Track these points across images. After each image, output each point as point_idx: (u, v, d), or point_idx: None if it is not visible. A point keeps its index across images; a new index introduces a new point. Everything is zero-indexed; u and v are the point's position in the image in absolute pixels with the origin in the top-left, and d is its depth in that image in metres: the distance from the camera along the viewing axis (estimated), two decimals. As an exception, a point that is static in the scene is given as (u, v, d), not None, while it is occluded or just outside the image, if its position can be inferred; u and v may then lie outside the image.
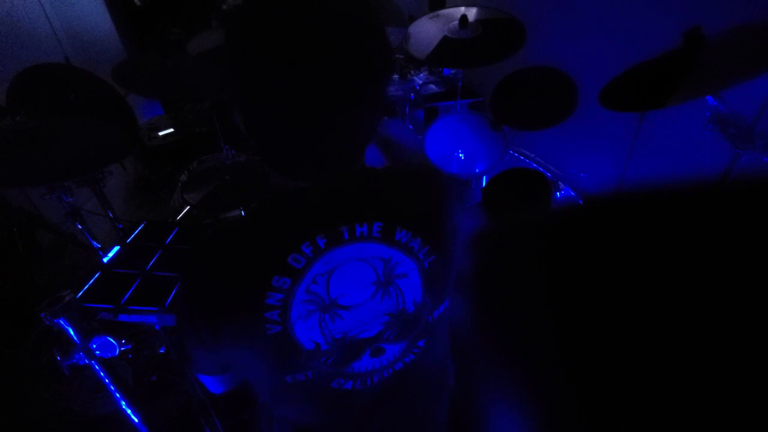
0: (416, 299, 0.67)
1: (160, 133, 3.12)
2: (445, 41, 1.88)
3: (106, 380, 1.20)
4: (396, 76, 2.66)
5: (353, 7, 0.55)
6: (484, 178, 2.05)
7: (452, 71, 2.68)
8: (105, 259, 1.52)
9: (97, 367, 1.16)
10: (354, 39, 0.55)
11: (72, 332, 1.08)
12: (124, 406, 1.28)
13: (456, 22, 1.89)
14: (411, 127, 2.10)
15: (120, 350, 1.13)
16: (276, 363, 0.64)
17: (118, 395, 1.24)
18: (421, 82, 2.82)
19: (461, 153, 2.01)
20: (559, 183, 1.95)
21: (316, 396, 0.69)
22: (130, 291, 1.39)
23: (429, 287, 0.68)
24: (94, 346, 1.11)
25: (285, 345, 0.62)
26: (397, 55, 2.64)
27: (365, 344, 0.66)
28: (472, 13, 1.93)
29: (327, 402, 0.70)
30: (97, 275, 1.45)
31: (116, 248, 1.57)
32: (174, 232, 1.65)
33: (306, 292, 0.62)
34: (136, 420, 1.30)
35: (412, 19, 2.04)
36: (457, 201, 0.75)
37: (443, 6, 2.24)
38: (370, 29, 0.56)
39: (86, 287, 1.40)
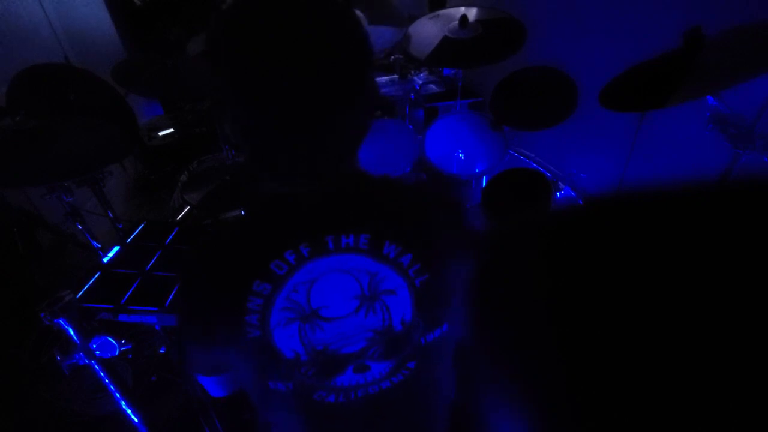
0: (405, 318, 0.64)
1: (160, 133, 3.12)
2: (445, 41, 1.88)
3: (106, 380, 1.20)
4: (396, 76, 2.66)
5: (345, 7, 0.56)
6: (484, 178, 2.05)
7: (452, 71, 2.68)
8: (105, 259, 1.52)
9: (97, 367, 1.16)
10: (352, 38, 0.56)
11: (72, 332, 1.08)
12: (124, 406, 1.28)
13: (456, 22, 1.89)
14: (411, 127, 2.10)
15: (120, 350, 1.13)
16: (257, 367, 0.64)
17: (118, 395, 1.24)
18: (421, 82, 2.82)
19: (461, 153, 2.01)
20: (559, 183, 1.95)
21: (300, 408, 0.68)
22: (130, 291, 1.39)
23: (420, 307, 0.64)
24: (94, 346, 1.11)
25: (264, 350, 0.62)
26: (397, 55, 2.63)
27: (348, 359, 0.64)
28: (472, 13, 1.93)
29: (312, 415, 0.69)
30: (97, 275, 1.45)
31: (116, 248, 1.57)
32: (174, 232, 1.65)
33: (286, 300, 0.61)
34: (136, 420, 1.30)
35: (412, 19, 2.04)
36: (460, 222, 0.72)
37: (443, 6, 2.24)
38: (360, 29, 0.57)
39: (86, 287, 1.40)
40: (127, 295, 1.38)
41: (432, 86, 2.82)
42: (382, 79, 2.67)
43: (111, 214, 1.84)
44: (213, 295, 0.63)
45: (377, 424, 0.72)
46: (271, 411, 0.72)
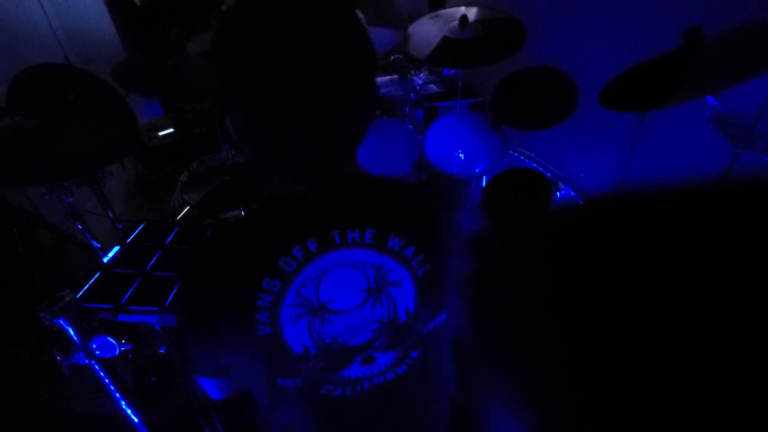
0: (409, 308, 0.66)
1: (160, 133, 3.12)
2: (445, 41, 1.88)
3: (106, 380, 1.20)
4: (396, 76, 2.66)
5: (347, 7, 0.56)
6: (484, 178, 2.05)
7: (452, 71, 2.68)
8: (105, 259, 1.52)
9: (97, 367, 1.16)
10: (353, 38, 0.56)
11: (72, 332, 1.08)
12: (124, 406, 1.28)
13: (456, 22, 1.89)
14: (411, 127, 2.10)
15: (120, 350, 1.13)
16: (267, 365, 0.64)
17: (118, 395, 1.24)
18: (421, 82, 2.82)
19: (461, 153, 2.01)
20: (559, 183, 1.95)
21: (307, 403, 0.69)
22: (130, 291, 1.39)
23: (423, 297, 0.67)
24: (94, 346, 1.11)
25: (275, 347, 0.62)
26: (397, 55, 2.64)
27: (355, 351, 0.66)
28: (472, 13, 1.93)
29: (318, 409, 0.70)
30: (97, 275, 1.45)
31: (116, 248, 1.57)
32: (174, 232, 1.65)
33: (296, 296, 0.61)
34: (136, 420, 1.30)
35: (412, 19, 2.04)
36: (455, 213, 0.75)
37: (443, 6, 2.24)
38: (361, 29, 0.58)
39: (86, 287, 1.40)
40: (127, 295, 1.38)
41: (432, 86, 2.82)
42: (382, 79, 2.67)
43: (111, 214, 1.84)
44: (220, 295, 0.63)
45: (382, 416, 0.73)
46: (278, 409, 0.72)
